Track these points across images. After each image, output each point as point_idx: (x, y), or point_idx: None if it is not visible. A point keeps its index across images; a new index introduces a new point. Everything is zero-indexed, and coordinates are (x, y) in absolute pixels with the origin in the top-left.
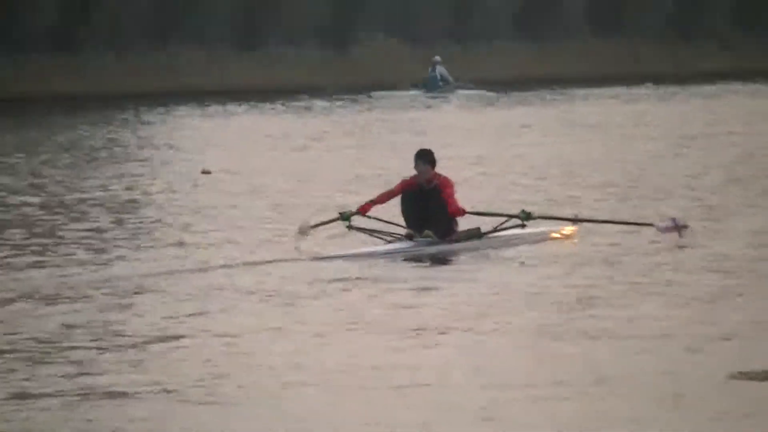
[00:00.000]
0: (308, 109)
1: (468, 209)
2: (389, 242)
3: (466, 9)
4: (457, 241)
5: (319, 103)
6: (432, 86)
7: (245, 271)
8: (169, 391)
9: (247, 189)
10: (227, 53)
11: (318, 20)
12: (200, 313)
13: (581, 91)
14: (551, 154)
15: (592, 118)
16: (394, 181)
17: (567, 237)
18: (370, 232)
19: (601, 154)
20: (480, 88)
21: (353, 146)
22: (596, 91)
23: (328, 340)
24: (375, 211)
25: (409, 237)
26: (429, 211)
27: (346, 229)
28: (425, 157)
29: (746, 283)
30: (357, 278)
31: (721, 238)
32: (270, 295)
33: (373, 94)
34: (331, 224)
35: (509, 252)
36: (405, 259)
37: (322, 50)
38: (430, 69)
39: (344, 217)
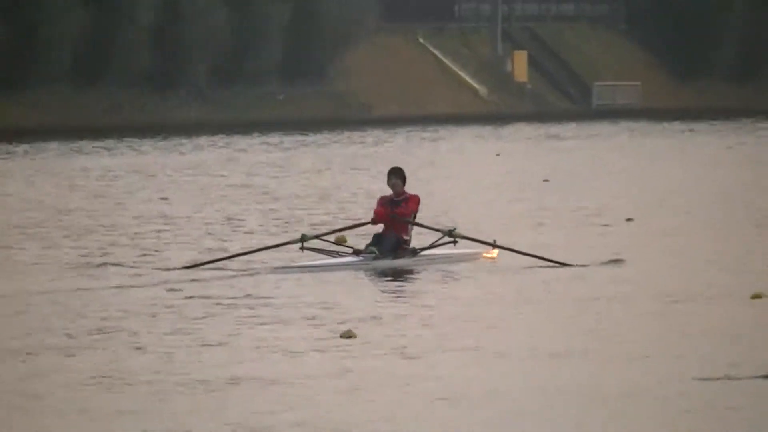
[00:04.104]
0: None
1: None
2: (339, 257)
3: None
4: (396, 257)
5: None
6: None
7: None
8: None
9: None
10: None
11: None
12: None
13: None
14: None
15: None
16: None
17: (492, 259)
18: (321, 251)
19: None
20: None
21: None
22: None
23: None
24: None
25: (356, 253)
26: (395, 216)
27: (300, 250)
28: (397, 174)
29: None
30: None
31: None
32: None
33: None
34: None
35: (436, 269)
36: (353, 271)
37: None
38: None
39: (303, 239)
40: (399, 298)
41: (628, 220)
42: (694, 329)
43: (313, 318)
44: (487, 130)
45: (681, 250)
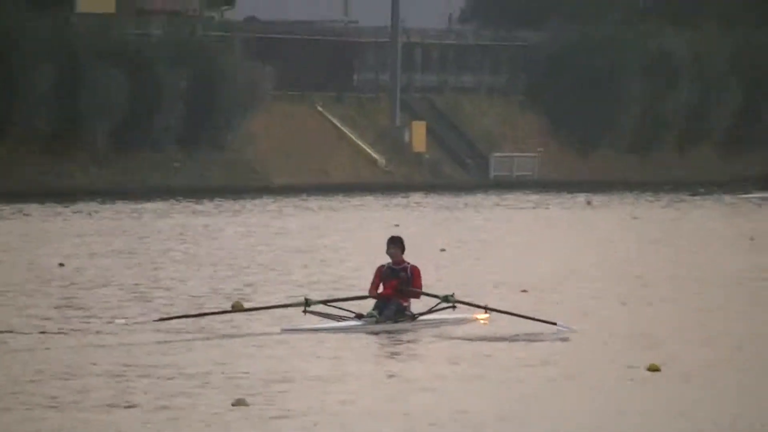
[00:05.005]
0: None
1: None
2: (341, 321)
3: None
4: (395, 321)
5: None
6: None
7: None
8: None
9: None
10: None
11: None
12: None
13: None
14: None
15: None
16: None
17: (484, 321)
18: (324, 315)
19: None
20: None
21: None
22: None
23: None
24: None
25: (358, 317)
26: (398, 284)
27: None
28: (397, 243)
29: None
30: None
31: None
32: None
33: None
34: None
35: (432, 332)
36: (354, 334)
37: None
38: None
39: (306, 303)
40: (369, 361)
41: (523, 291)
42: (583, 403)
43: (218, 385)
44: (385, 200)
45: (577, 321)
